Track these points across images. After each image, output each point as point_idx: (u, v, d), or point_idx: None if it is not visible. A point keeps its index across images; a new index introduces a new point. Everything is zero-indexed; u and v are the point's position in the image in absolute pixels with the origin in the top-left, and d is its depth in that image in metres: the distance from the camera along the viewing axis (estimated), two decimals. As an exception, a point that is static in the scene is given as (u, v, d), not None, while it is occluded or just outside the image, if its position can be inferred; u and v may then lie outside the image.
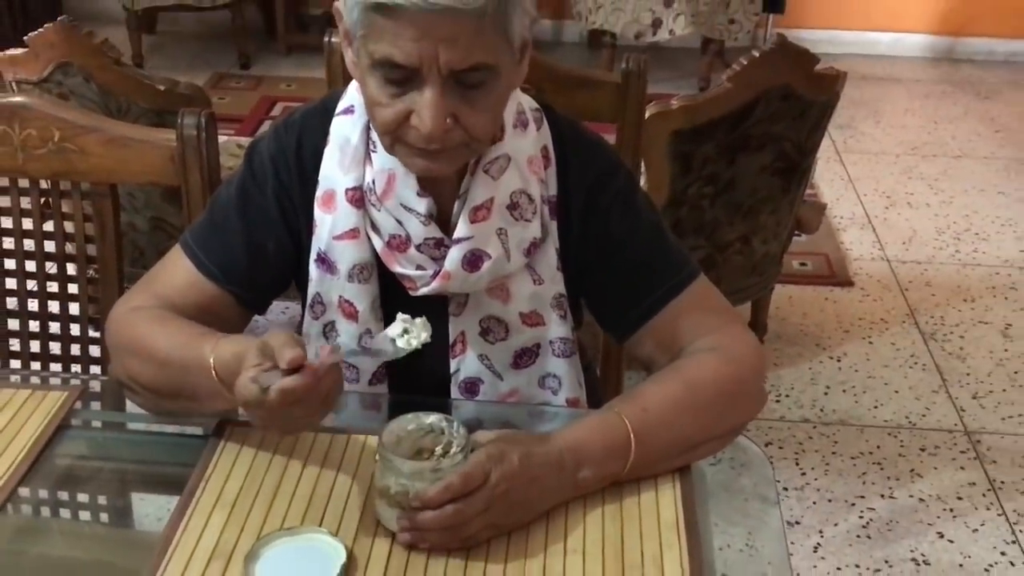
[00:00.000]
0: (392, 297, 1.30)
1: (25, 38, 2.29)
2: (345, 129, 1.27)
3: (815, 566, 2.26)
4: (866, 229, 3.59)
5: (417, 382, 1.35)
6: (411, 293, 1.28)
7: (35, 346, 1.55)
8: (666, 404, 1.20)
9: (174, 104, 2.32)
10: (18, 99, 1.43)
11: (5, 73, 2.38)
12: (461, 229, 1.25)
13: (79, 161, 1.44)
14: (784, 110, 2.36)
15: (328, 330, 1.33)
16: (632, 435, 1.16)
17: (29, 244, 1.51)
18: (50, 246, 1.51)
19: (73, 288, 1.53)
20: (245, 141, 3.08)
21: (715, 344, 1.26)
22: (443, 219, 1.26)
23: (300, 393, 1.03)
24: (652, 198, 2.37)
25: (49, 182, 1.48)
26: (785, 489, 2.47)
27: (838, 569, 2.25)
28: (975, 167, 4.06)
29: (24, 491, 1.16)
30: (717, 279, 2.60)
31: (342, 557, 1.05)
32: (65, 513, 1.18)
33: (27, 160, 1.44)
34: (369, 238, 1.28)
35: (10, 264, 1.52)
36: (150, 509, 1.20)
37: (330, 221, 1.28)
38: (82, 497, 1.21)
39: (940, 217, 3.68)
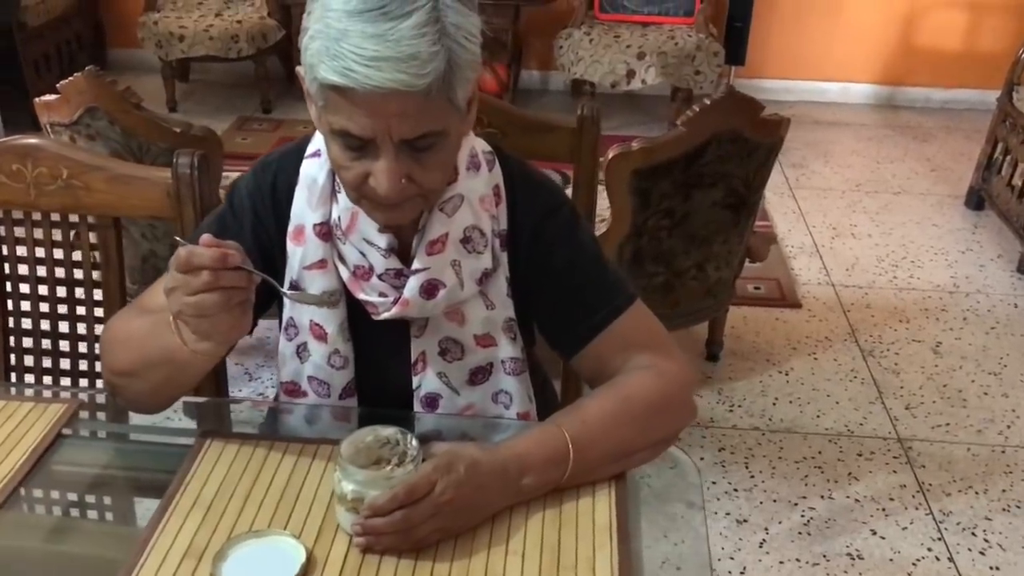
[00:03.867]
0: (358, 320, 1.28)
1: (58, 85, 2.28)
2: (312, 170, 1.25)
3: (760, 560, 2.22)
4: (814, 257, 3.56)
5: (384, 396, 1.32)
6: (374, 317, 1.26)
7: (46, 362, 1.53)
8: (603, 416, 1.17)
9: (188, 144, 2.30)
10: (31, 140, 1.41)
11: (41, 117, 2.38)
12: (419, 261, 1.22)
13: (85, 196, 1.42)
14: (733, 151, 2.34)
15: (301, 350, 1.31)
16: (571, 445, 1.13)
17: (41, 271, 1.49)
18: (60, 272, 1.48)
19: (81, 310, 1.50)
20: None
21: (649, 363, 1.23)
22: (403, 251, 1.24)
23: (214, 246, 1.00)
24: (615, 228, 2.39)
25: (59, 215, 1.45)
26: (736, 490, 2.43)
27: (780, 563, 2.22)
28: (912, 202, 4.03)
29: (22, 492, 1.13)
30: (676, 301, 2.60)
31: (302, 558, 1.02)
32: (59, 513, 1.15)
33: (39, 195, 1.42)
34: (336, 268, 1.25)
35: (24, 288, 1.49)
36: (137, 510, 1.16)
37: (300, 253, 1.25)
38: (75, 499, 1.17)
39: (880, 247, 3.65)
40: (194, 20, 4.49)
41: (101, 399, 1.31)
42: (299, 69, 1.13)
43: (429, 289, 1.23)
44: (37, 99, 2.32)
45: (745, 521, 2.33)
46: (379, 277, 1.24)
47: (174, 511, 1.10)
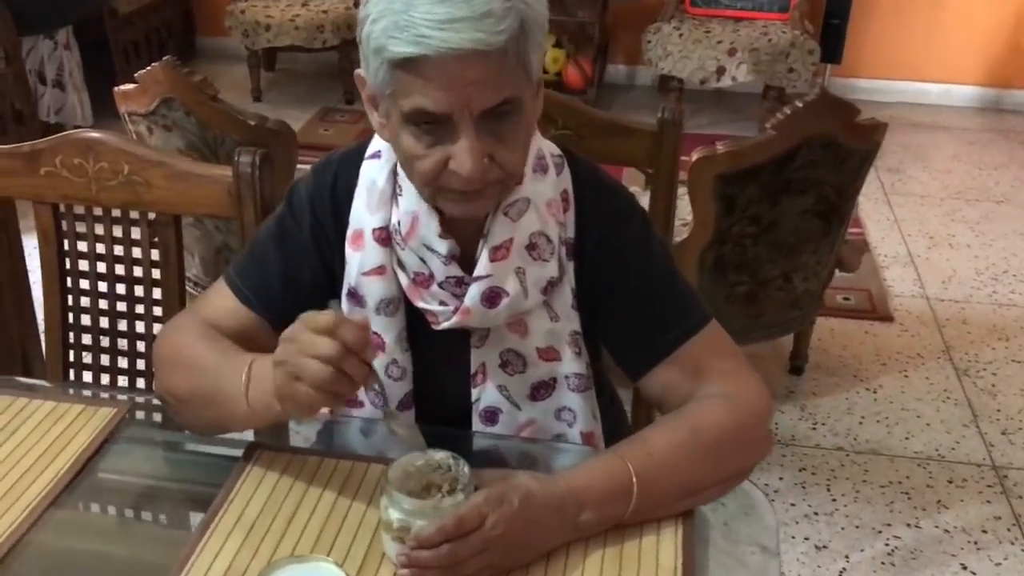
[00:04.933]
0: (417, 330, 1.22)
1: (136, 75, 2.28)
2: (372, 172, 1.20)
3: (839, 590, 2.11)
4: (908, 267, 3.40)
5: (442, 409, 1.26)
6: (434, 327, 1.20)
7: (104, 359, 1.50)
8: (670, 449, 1.08)
9: (263, 138, 2.28)
10: (93, 134, 1.38)
11: (119, 106, 2.38)
12: (481, 267, 1.16)
13: (145, 193, 1.38)
14: (825, 157, 2.22)
15: (359, 360, 1.25)
16: (635, 479, 1.05)
17: (101, 267, 1.46)
18: (120, 269, 1.46)
19: (139, 309, 1.47)
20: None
21: (723, 390, 1.15)
22: (464, 258, 1.17)
23: (366, 333, 0.97)
24: (697, 234, 2.29)
25: (119, 211, 1.43)
26: (816, 513, 2.31)
27: (861, 594, 2.10)
28: (1015, 212, 3.82)
29: (65, 499, 1.10)
30: (759, 312, 2.49)
31: (343, 588, 0.97)
32: (100, 523, 1.11)
33: (99, 190, 1.39)
34: (396, 275, 1.20)
35: (84, 284, 1.47)
36: (182, 525, 1.12)
37: (359, 258, 1.20)
38: (118, 509, 1.13)
39: (980, 259, 3.47)
40: (280, 9, 4.50)
41: (154, 403, 1.27)
42: (358, 72, 1.08)
43: (491, 297, 1.16)
44: (116, 88, 2.32)
45: (825, 547, 2.21)
46: (439, 285, 1.17)
47: (215, 530, 1.05)
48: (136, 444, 1.19)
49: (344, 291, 1.22)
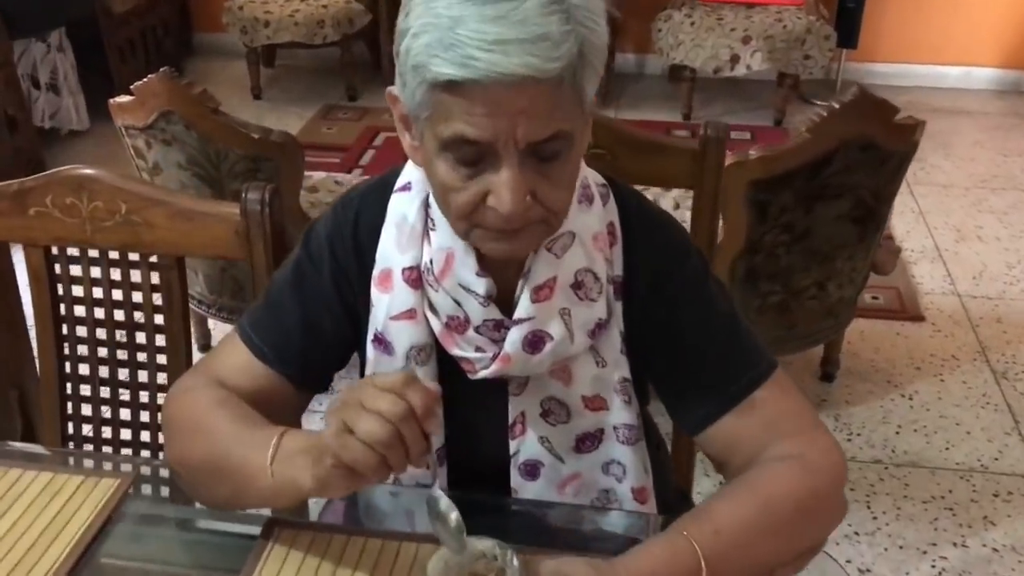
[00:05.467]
0: (451, 379, 1.10)
1: (132, 87, 2.15)
2: (402, 207, 1.08)
3: (886, 618, 2.00)
4: (936, 263, 3.27)
5: (477, 463, 1.15)
6: (470, 376, 1.08)
7: (105, 411, 1.39)
8: (741, 526, 0.97)
9: (267, 151, 2.17)
10: (87, 171, 1.26)
11: (116, 119, 2.25)
12: (522, 309, 1.04)
13: (146, 233, 1.26)
14: (863, 160, 2.09)
15: (386, 414, 1.14)
16: (704, 563, 0.93)
17: (99, 312, 1.35)
18: (119, 315, 1.34)
19: (142, 356, 1.35)
20: (342, 177, 2.92)
21: (792, 451, 1.03)
22: (503, 299, 1.06)
23: (434, 401, 0.87)
24: (728, 244, 2.16)
25: (118, 253, 1.31)
26: (856, 533, 2.20)
27: (910, 622, 1.99)
28: (1045, 200, 3.70)
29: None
30: (792, 323, 2.36)
31: None
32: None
33: (95, 231, 1.27)
34: (427, 319, 1.08)
35: (81, 331, 1.35)
36: None
37: (387, 301, 1.08)
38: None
39: (1010, 251, 3.35)
40: (279, 5, 4.36)
41: (161, 472, 1.16)
42: (391, 91, 0.96)
43: (534, 342, 1.04)
44: (112, 101, 2.20)
45: (868, 571, 2.10)
46: (476, 330, 1.06)
47: (233, 626, 0.94)
48: (142, 522, 1.08)
49: (370, 336, 1.11)
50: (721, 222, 2.10)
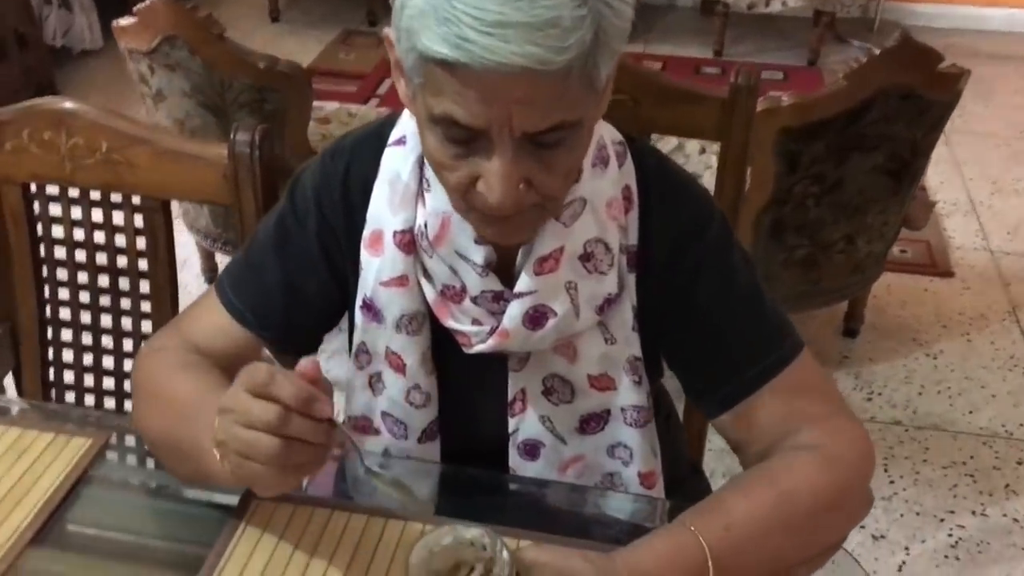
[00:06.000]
0: (444, 349, 1.02)
1: (135, 9, 2.04)
2: (396, 162, 0.98)
3: (899, 587, 1.93)
4: (970, 216, 3.14)
5: (473, 442, 1.06)
6: (465, 350, 0.99)
7: (87, 359, 1.31)
8: (754, 521, 0.89)
9: (274, 81, 2.06)
10: (66, 105, 1.17)
11: (119, 41, 2.15)
12: (524, 282, 0.95)
13: (128, 174, 1.17)
14: (902, 110, 1.97)
15: (374, 381, 1.05)
16: (710, 561, 0.85)
17: (80, 255, 1.26)
18: (102, 259, 1.26)
19: (125, 303, 1.27)
20: (356, 108, 2.80)
21: (816, 440, 0.94)
22: (504, 268, 0.97)
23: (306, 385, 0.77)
24: (755, 195, 2.05)
25: (100, 193, 1.22)
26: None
27: (923, 592, 1.92)
28: (1087, 154, 3.54)
29: (31, 552, 0.92)
30: (817, 278, 2.26)
31: None
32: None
33: (75, 169, 1.18)
34: (420, 286, 0.99)
35: (62, 275, 1.27)
36: None
37: (377, 265, 0.99)
38: (90, 566, 0.95)
39: (1049, 206, 3.21)
40: (299, -77, 4.20)
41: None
42: (386, 32, 0.86)
43: (535, 318, 0.95)
44: (114, 23, 2.09)
45: (883, 537, 2.03)
46: (473, 300, 0.97)
47: (202, 608, 0.87)
48: (114, 487, 1.01)
49: (358, 302, 1.02)
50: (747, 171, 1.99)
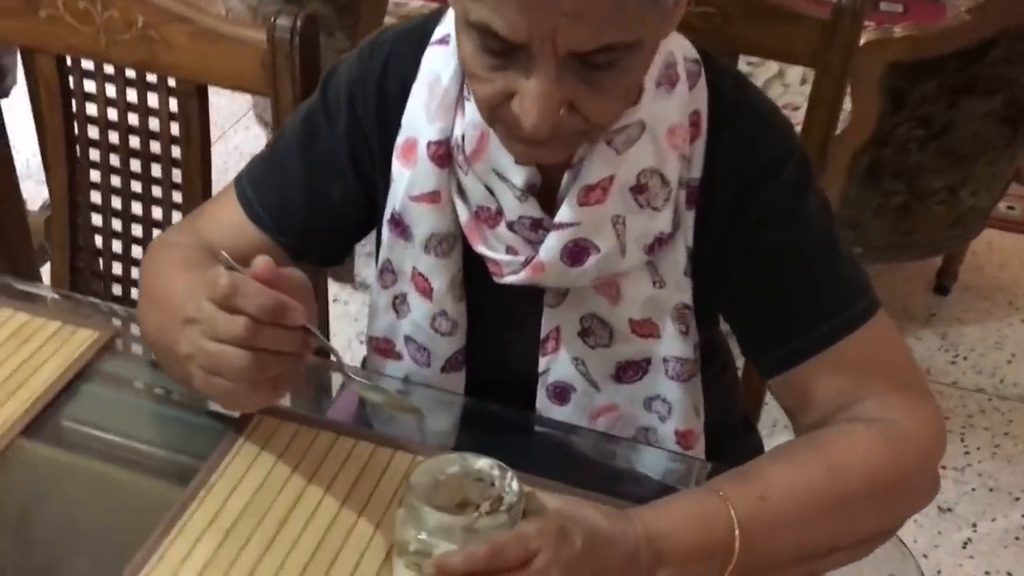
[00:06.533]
0: (476, 276, 0.92)
1: None
2: (437, 63, 0.88)
3: (961, 564, 1.81)
4: (1090, 175, 2.89)
5: (500, 377, 0.98)
6: (496, 279, 0.90)
7: (116, 246, 1.25)
8: (794, 495, 0.78)
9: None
10: (101, -27, 1.09)
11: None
12: (565, 212, 0.85)
13: (164, 53, 1.09)
14: (1028, 53, 1.77)
15: (399, 302, 0.97)
16: (738, 531, 0.76)
17: (114, 137, 1.19)
18: (135, 142, 1.19)
19: (157, 192, 1.20)
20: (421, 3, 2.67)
21: (880, 414, 0.83)
22: (546, 193, 0.86)
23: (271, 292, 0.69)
24: (853, 131, 1.89)
25: (135, 72, 1.14)
26: (943, 467, 1.97)
27: (987, 574, 1.80)
28: None
29: (22, 444, 0.87)
30: (911, 229, 2.09)
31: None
32: (57, 482, 0.87)
33: (110, 44, 1.10)
34: (453, 205, 0.89)
35: (94, 155, 1.21)
36: (151, 504, 0.86)
37: (408, 177, 0.90)
38: (77, 474, 0.89)
39: None
40: None
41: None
42: None
43: (575, 252, 0.85)
44: None
45: (949, 510, 1.90)
46: (509, 226, 0.87)
47: (182, 530, 0.80)
48: (115, 385, 0.95)
49: (386, 216, 0.93)
50: (848, 107, 1.83)
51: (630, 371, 0.94)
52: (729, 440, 1.10)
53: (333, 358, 0.77)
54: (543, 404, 0.96)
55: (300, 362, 0.72)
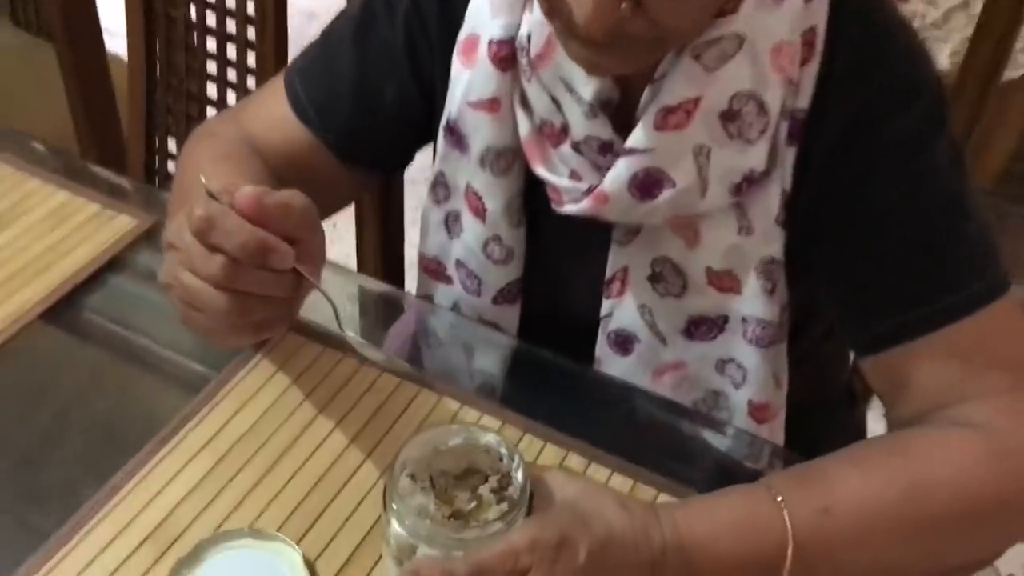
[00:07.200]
0: (538, 202, 0.81)
1: None
2: None
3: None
4: None
5: (557, 317, 0.87)
6: (554, 207, 0.78)
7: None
8: (865, 509, 0.65)
9: None
10: None
11: None
12: (639, 136, 0.72)
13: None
14: None
15: (451, 221, 0.87)
16: (792, 549, 0.63)
17: (192, 11, 1.11)
18: (211, 20, 1.11)
19: (232, 75, 1.13)
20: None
21: (987, 419, 0.68)
22: (624, 111, 0.74)
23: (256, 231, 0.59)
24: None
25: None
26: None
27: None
28: None
29: (38, 326, 0.82)
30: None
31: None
32: (65, 370, 0.82)
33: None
34: (514, 116, 0.78)
35: (173, 35, 1.14)
36: (152, 406, 0.79)
37: (467, 79, 0.78)
38: (89, 358, 0.83)
39: None
40: None
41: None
42: None
43: (645, 184, 0.73)
44: None
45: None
46: (574, 147, 0.75)
47: (180, 443, 0.74)
48: (143, 281, 0.88)
49: (443, 121, 0.82)
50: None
51: (703, 327, 0.81)
52: (826, 416, 0.97)
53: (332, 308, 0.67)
54: (603, 352, 0.85)
55: (291, 306, 0.63)
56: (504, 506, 0.62)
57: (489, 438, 0.65)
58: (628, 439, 0.77)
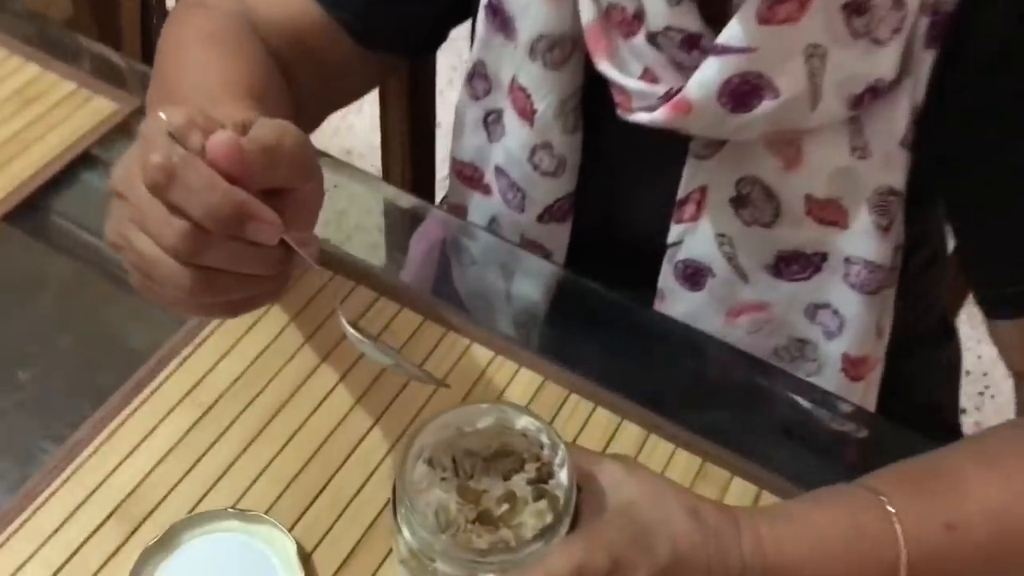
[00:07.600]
0: (598, 105, 0.65)
1: None
2: None
3: None
4: None
5: (617, 240, 0.72)
6: (621, 113, 0.62)
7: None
8: (1005, 524, 0.51)
9: None
10: None
11: None
12: (736, 30, 0.56)
13: None
14: None
15: (491, 121, 0.71)
16: (904, 568, 0.50)
17: None
18: None
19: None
20: None
21: None
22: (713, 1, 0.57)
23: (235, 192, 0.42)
24: None
25: None
26: None
27: None
28: None
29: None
30: None
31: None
32: (29, 293, 0.69)
33: None
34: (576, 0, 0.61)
35: None
36: (124, 342, 0.66)
37: (515, -51, 0.62)
38: (53, 269, 0.70)
39: None
40: None
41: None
42: None
43: (742, 93, 0.57)
44: None
45: None
46: (651, 38, 0.59)
47: (152, 395, 0.62)
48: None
49: (482, 3, 0.66)
50: None
51: (795, 265, 0.66)
52: (919, 351, 0.82)
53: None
54: (668, 284, 0.70)
55: (273, 285, 0.47)
56: (543, 504, 0.49)
57: (526, 421, 0.51)
58: (696, 402, 0.64)
